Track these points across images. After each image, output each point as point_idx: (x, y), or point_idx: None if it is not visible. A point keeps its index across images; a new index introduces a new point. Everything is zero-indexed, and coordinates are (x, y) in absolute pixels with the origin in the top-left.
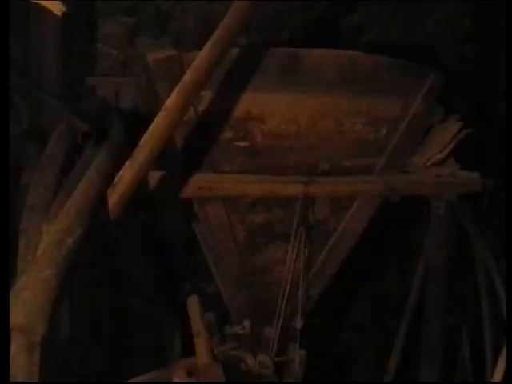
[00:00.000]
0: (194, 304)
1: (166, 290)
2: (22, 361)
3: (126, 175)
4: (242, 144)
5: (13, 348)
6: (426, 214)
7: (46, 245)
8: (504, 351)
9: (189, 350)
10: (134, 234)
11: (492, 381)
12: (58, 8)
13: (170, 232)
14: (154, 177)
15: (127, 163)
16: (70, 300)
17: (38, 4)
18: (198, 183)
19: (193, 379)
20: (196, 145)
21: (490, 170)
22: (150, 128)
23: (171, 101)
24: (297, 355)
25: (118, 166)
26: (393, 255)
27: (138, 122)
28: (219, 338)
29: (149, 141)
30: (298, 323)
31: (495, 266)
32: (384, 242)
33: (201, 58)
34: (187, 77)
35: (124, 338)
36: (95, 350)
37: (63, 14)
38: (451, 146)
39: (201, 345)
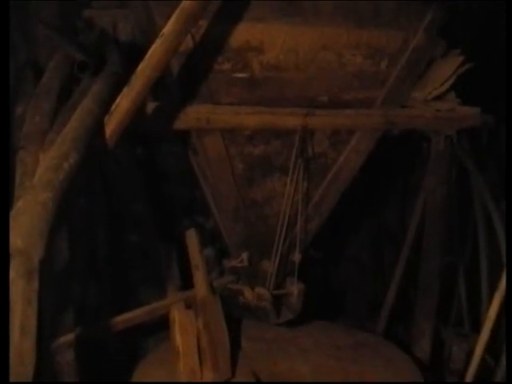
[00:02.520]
0: (192, 237)
1: (164, 224)
2: (20, 286)
3: (123, 103)
4: (241, 75)
5: (11, 274)
6: (425, 151)
7: (42, 170)
8: (503, 284)
9: (187, 284)
10: (131, 168)
11: (486, 318)
12: None
13: (167, 166)
14: (151, 108)
15: (124, 90)
16: (69, 231)
17: None
18: (196, 114)
19: (191, 311)
20: (194, 76)
21: (490, 105)
22: (147, 55)
23: (169, 27)
24: (295, 288)
25: (115, 96)
26: (391, 191)
27: (135, 54)
28: (218, 271)
29: (146, 68)
30: (297, 256)
31: (494, 205)
32: (383, 178)
33: None
34: (186, 2)
35: (122, 271)
36: (94, 284)
37: None
38: (452, 80)
39: (199, 278)
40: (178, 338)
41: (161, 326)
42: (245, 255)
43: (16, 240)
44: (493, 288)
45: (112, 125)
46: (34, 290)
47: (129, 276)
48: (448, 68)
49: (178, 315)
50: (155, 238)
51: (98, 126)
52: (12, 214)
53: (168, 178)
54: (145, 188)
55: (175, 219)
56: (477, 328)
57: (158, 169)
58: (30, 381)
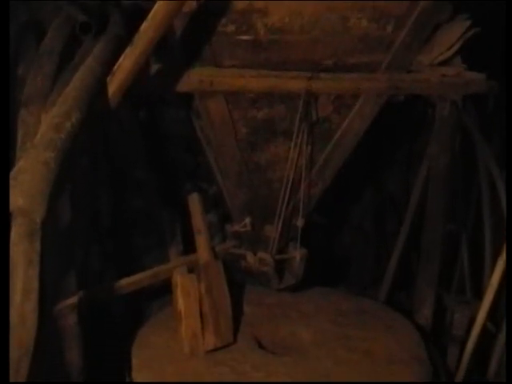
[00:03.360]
0: (194, 202)
1: (166, 189)
2: (22, 248)
3: (125, 63)
4: (245, 38)
5: (13, 235)
6: (430, 118)
7: (44, 129)
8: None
9: (190, 249)
10: (133, 130)
11: (489, 285)
12: None
13: (170, 130)
14: (154, 69)
15: (127, 50)
16: (71, 193)
17: None
18: (199, 77)
19: (193, 276)
20: (197, 38)
21: (496, 71)
22: (150, 15)
23: None
24: (297, 253)
25: (117, 56)
26: (395, 159)
27: (138, 15)
28: (220, 237)
29: (148, 28)
30: (300, 221)
31: (499, 172)
32: (387, 146)
33: None
34: None
35: (125, 236)
36: (96, 248)
37: None
38: (458, 45)
39: (201, 242)
40: (181, 301)
41: (164, 290)
42: (248, 220)
43: (17, 199)
44: (495, 255)
45: (114, 85)
46: (35, 252)
47: (132, 240)
48: (454, 33)
49: (180, 279)
50: (158, 203)
51: (101, 87)
52: (13, 173)
53: (171, 142)
54: (147, 152)
55: (178, 184)
56: (479, 295)
57: (160, 133)
58: (32, 342)
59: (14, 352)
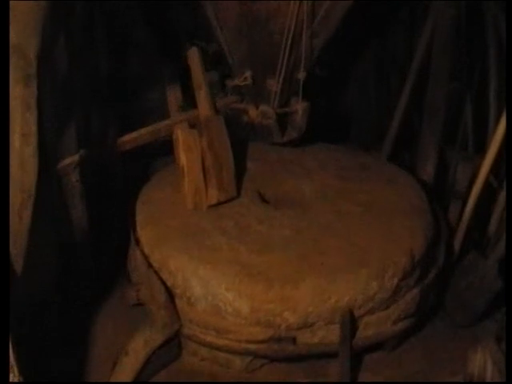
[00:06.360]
0: (194, 56)
1: (166, 49)
2: (18, 92)
3: None
4: None
5: (10, 81)
6: None
7: None
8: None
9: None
10: None
11: (492, 140)
12: None
13: None
14: None
15: None
16: (68, 42)
17: None
18: None
19: (194, 131)
20: None
21: None
22: None
23: None
24: (299, 107)
25: None
26: (399, 15)
27: None
28: (221, 95)
29: None
30: (302, 74)
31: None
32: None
33: None
34: None
35: (125, 95)
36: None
37: None
38: None
39: (202, 97)
40: (183, 157)
41: (167, 150)
42: (248, 73)
43: (12, 37)
44: (500, 110)
45: None
46: (32, 96)
47: (132, 100)
48: None
49: (181, 135)
50: (158, 61)
51: None
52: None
53: (169, 1)
54: (145, 12)
55: (178, 43)
56: (481, 151)
57: None
58: (34, 187)
59: (16, 198)
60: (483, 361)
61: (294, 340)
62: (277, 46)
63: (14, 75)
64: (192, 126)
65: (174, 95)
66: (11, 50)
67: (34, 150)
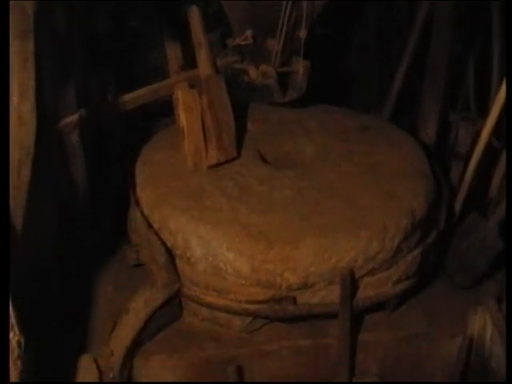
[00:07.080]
0: (194, 15)
1: (165, 8)
2: (15, 47)
3: None
4: None
5: (10, 34)
6: None
7: None
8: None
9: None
10: None
11: (495, 101)
12: None
13: None
14: None
15: None
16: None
17: None
18: None
19: (194, 91)
20: None
21: None
22: None
23: None
24: (300, 66)
25: None
26: None
27: None
28: (222, 56)
29: None
30: (303, 33)
31: None
32: None
33: None
34: None
35: (125, 55)
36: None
37: None
38: None
39: (202, 56)
40: (183, 117)
41: (167, 111)
42: (249, 32)
43: None
44: (503, 71)
45: None
46: (29, 52)
47: (132, 61)
48: None
49: (181, 94)
50: (157, 20)
51: None
52: None
53: None
54: None
55: (178, 2)
56: (484, 113)
57: None
58: (32, 144)
59: (15, 154)
60: (483, 321)
61: (294, 300)
62: (278, 4)
63: (12, 30)
64: (192, 85)
65: (174, 55)
66: (11, 6)
67: (31, 106)
